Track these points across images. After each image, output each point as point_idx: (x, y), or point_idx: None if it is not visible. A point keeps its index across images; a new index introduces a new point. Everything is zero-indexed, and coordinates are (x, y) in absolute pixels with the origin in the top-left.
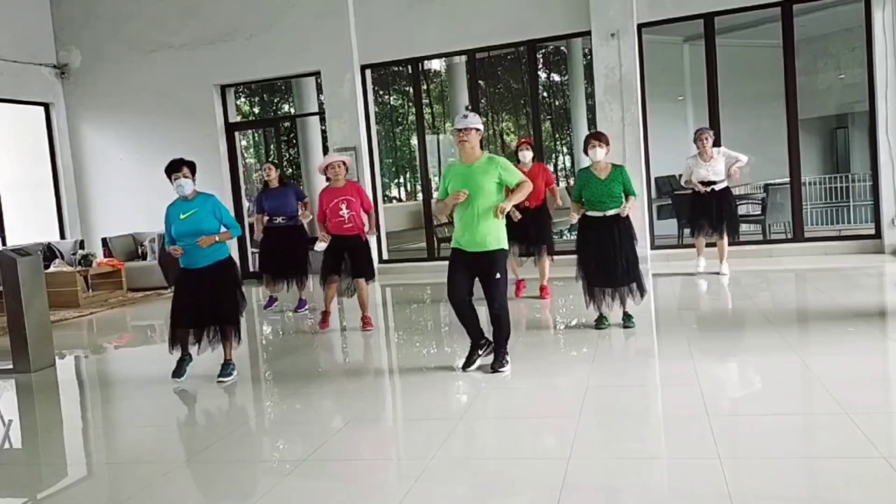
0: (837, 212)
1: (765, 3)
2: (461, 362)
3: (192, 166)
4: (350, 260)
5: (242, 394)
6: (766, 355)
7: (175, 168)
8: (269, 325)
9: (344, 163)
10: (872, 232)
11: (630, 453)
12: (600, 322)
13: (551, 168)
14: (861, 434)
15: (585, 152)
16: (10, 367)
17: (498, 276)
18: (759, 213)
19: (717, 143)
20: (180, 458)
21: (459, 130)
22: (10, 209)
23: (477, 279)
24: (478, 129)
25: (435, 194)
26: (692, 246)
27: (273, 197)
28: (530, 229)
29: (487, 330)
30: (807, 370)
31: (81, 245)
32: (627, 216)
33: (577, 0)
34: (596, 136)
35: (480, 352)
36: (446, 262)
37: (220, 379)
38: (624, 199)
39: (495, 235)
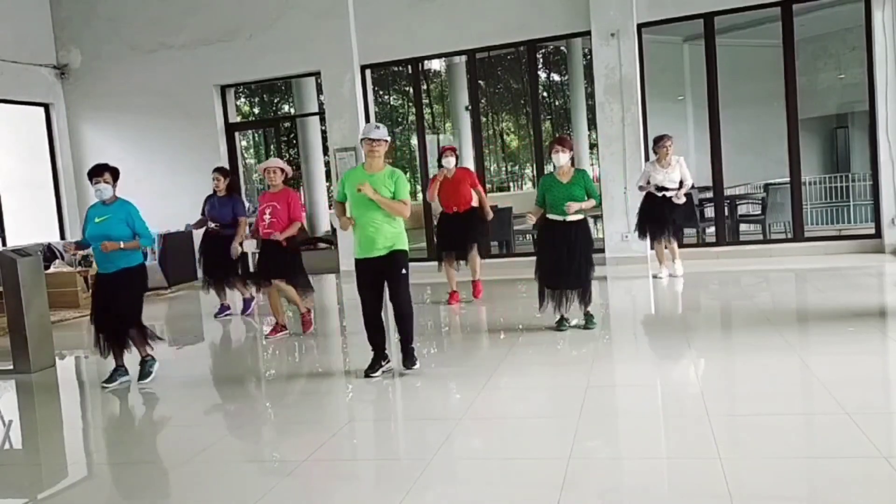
0: (837, 211)
1: (765, 3)
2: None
3: (114, 172)
4: (271, 265)
5: (241, 394)
6: (766, 355)
7: (97, 173)
8: (260, 327)
9: (282, 169)
10: (872, 232)
11: (630, 453)
12: (561, 324)
13: (550, 168)
14: (861, 434)
15: (549, 157)
16: (10, 367)
17: (403, 271)
18: (759, 212)
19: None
20: (180, 458)
21: (372, 140)
22: (10, 209)
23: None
24: (387, 142)
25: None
26: (688, 246)
27: (214, 204)
28: (458, 234)
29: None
30: (807, 370)
31: None
32: (585, 220)
33: (577, 0)
34: (560, 142)
35: (384, 362)
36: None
37: (141, 382)
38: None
39: (399, 238)
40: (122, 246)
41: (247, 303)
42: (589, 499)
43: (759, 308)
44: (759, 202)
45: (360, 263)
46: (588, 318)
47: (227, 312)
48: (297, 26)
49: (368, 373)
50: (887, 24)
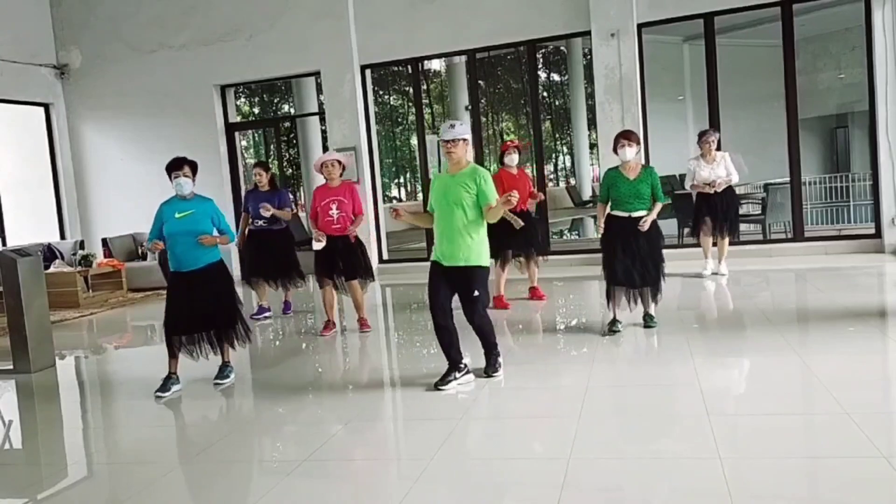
0: (837, 211)
1: (765, 3)
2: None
3: (193, 166)
4: (342, 262)
5: (242, 395)
6: (766, 355)
7: (177, 166)
8: (265, 328)
9: (339, 161)
10: (872, 232)
11: (630, 453)
12: (613, 326)
13: (550, 168)
14: (861, 434)
15: (615, 151)
16: (11, 367)
17: (476, 293)
18: (759, 212)
19: (718, 147)
20: (180, 458)
21: (447, 142)
22: (10, 209)
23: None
24: (465, 140)
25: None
26: (693, 245)
27: (259, 199)
28: (519, 234)
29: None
30: (807, 370)
31: (81, 245)
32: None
33: (577, 0)
34: (626, 136)
35: (458, 374)
36: None
37: (218, 381)
38: (651, 203)
39: (476, 251)
40: (217, 241)
41: (287, 303)
42: (589, 499)
43: (759, 308)
44: (759, 202)
45: (435, 265)
46: (649, 317)
47: (267, 314)
48: (297, 26)
49: (438, 385)
50: (887, 24)
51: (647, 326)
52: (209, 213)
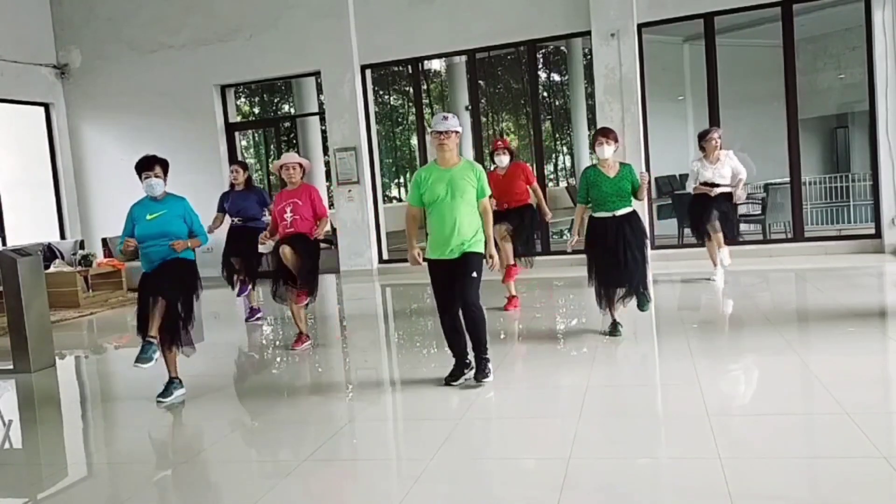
0: (837, 211)
1: (765, 3)
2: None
3: (164, 165)
4: (291, 264)
5: (242, 395)
6: (766, 355)
7: (147, 166)
8: (260, 330)
9: (300, 164)
10: (872, 232)
11: (630, 453)
12: (615, 329)
13: (550, 168)
14: (861, 434)
15: (592, 149)
16: (11, 367)
17: (474, 274)
18: (759, 212)
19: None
20: (180, 458)
21: (440, 133)
22: (10, 209)
23: None
24: (457, 132)
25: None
26: (693, 246)
27: (235, 198)
28: (514, 221)
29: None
30: (807, 370)
31: (81, 245)
32: (635, 211)
33: (577, 0)
34: (604, 133)
35: (466, 370)
36: None
37: (160, 398)
38: (634, 197)
39: (476, 238)
40: (189, 245)
41: (253, 311)
42: (589, 499)
43: (759, 308)
44: (759, 202)
45: (432, 265)
46: (615, 325)
47: (258, 316)
48: (297, 26)
49: (449, 381)
50: (887, 23)
51: (612, 334)
52: (181, 214)
